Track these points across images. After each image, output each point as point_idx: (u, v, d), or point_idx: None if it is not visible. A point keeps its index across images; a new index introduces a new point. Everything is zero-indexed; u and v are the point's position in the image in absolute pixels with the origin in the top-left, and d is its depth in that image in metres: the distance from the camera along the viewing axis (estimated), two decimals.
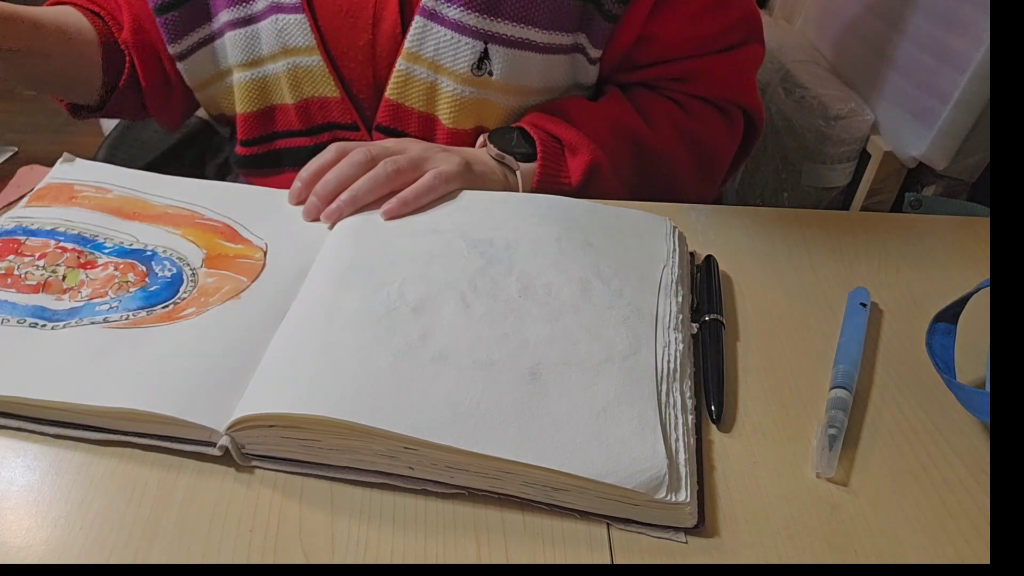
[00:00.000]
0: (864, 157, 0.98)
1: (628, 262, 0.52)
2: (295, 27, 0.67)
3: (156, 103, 0.76)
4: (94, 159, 0.64)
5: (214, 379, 0.44)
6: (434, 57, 0.65)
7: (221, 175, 0.97)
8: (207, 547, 0.38)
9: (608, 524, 0.39)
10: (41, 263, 0.52)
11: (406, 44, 0.66)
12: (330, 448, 0.41)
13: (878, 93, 0.96)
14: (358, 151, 0.59)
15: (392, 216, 0.56)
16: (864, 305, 0.52)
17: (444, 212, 0.57)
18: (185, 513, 0.39)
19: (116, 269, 0.52)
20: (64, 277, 0.51)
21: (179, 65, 0.72)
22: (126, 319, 0.48)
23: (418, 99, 0.68)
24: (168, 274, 0.52)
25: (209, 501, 0.40)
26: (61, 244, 0.53)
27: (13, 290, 0.50)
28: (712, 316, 0.51)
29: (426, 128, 0.69)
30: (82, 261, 0.52)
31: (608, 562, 0.38)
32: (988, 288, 0.48)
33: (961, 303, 0.49)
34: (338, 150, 0.60)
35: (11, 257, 0.52)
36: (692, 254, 0.58)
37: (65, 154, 0.63)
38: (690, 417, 0.43)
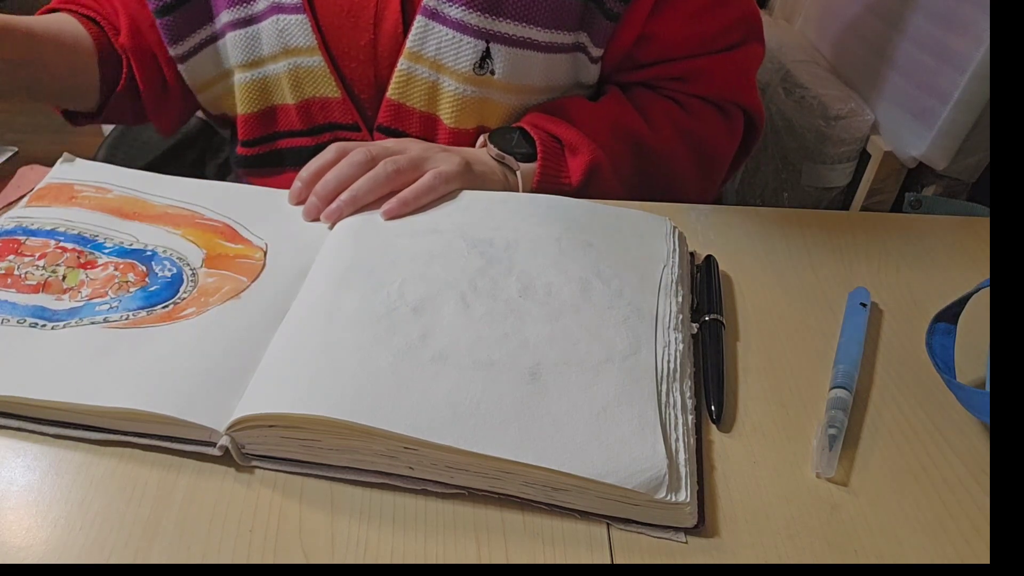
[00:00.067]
0: (864, 157, 0.98)
1: (628, 262, 0.52)
2: (296, 27, 0.67)
3: (153, 107, 0.75)
4: (94, 159, 0.64)
5: (214, 379, 0.44)
6: (436, 57, 0.65)
7: (221, 175, 0.97)
8: (207, 547, 0.38)
9: (608, 524, 0.39)
10: (41, 263, 0.52)
11: (408, 44, 0.66)
12: (330, 448, 0.41)
13: (878, 93, 0.96)
14: (358, 151, 0.59)
15: (392, 216, 0.56)
16: (864, 305, 0.52)
17: (444, 212, 0.57)
18: (185, 513, 0.39)
19: (116, 269, 0.52)
20: (64, 277, 0.51)
21: (180, 67, 0.72)
22: (126, 319, 0.48)
23: (420, 99, 0.68)
24: (168, 274, 0.52)
25: (209, 501, 0.40)
26: (61, 244, 0.53)
27: (13, 290, 0.50)
28: (712, 316, 0.51)
29: (427, 128, 0.69)
30: (82, 261, 0.52)
31: (608, 562, 0.38)
32: (988, 288, 0.48)
33: (961, 303, 0.49)
34: (338, 150, 0.60)
35: (11, 257, 0.52)
36: (692, 254, 0.58)
37: (65, 154, 0.63)
38: (690, 417, 0.43)
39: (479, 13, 0.63)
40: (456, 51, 0.65)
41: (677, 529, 0.39)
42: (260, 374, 0.43)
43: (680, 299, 0.51)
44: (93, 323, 0.48)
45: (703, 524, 0.39)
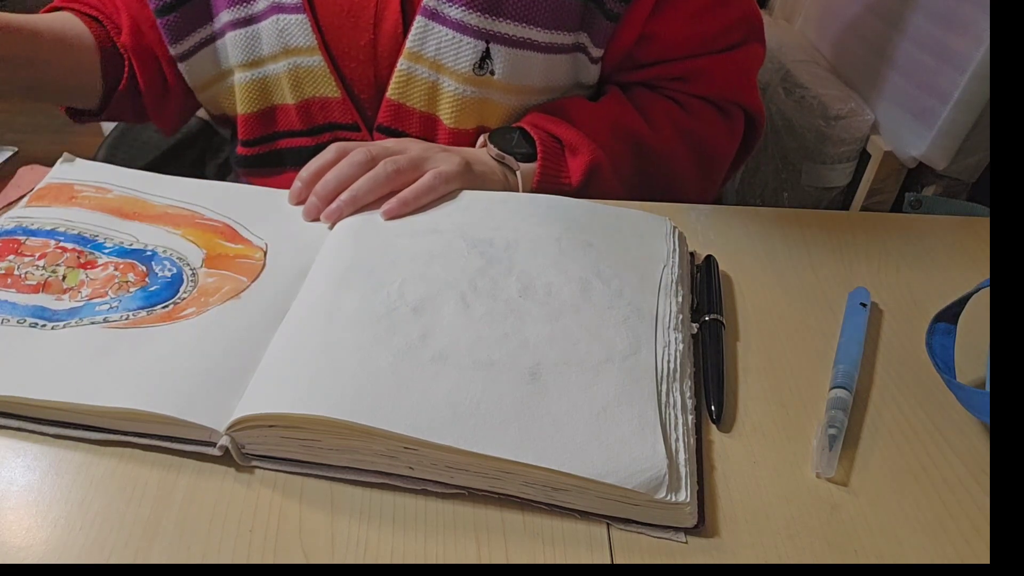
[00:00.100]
0: (864, 157, 0.98)
1: (628, 262, 0.52)
2: (296, 27, 0.67)
3: (154, 107, 0.76)
4: (94, 159, 0.64)
5: (214, 379, 0.44)
6: (436, 57, 0.65)
7: (221, 175, 0.97)
8: (207, 547, 0.38)
9: (608, 524, 0.39)
10: (41, 263, 0.52)
11: (407, 44, 0.66)
12: (330, 448, 0.41)
13: (878, 93, 0.96)
14: (358, 151, 0.59)
15: (392, 216, 0.56)
16: (864, 305, 0.52)
17: (444, 212, 0.57)
18: (185, 513, 0.39)
19: (116, 269, 0.52)
20: (64, 277, 0.51)
21: (180, 66, 0.72)
22: (126, 319, 0.48)
23: (419, 99, 0.68)
24: (168, 274, 0.52)
25: (209, 501, 0.40)
26: (61, 244, 0.53)
27: (13, 290, 0.50)
28: (712, 316, 0.51)
29: (427, 128, 0.69)
30: (82, 261, 0.52)
31: (608, 562, 0.38)
32: (988, 288, 0.48)
33: (961, 303, 0.49)
34: (338, 150, 0.60)
35: (11, 257, 0.52)
36: (692, 254, 0.58)
37: (65, 154, 0.63)
38: (690, 417, 0.43)
39: (479, 13, 0.63)
40: (456, 51, 0.65)
41: (677, 529, 0.39)
42: (260, 374, 0.43)
43: (680, 299, 0.51)
44: (93, 323, 0.48)
45: (703, 524, 0.39)
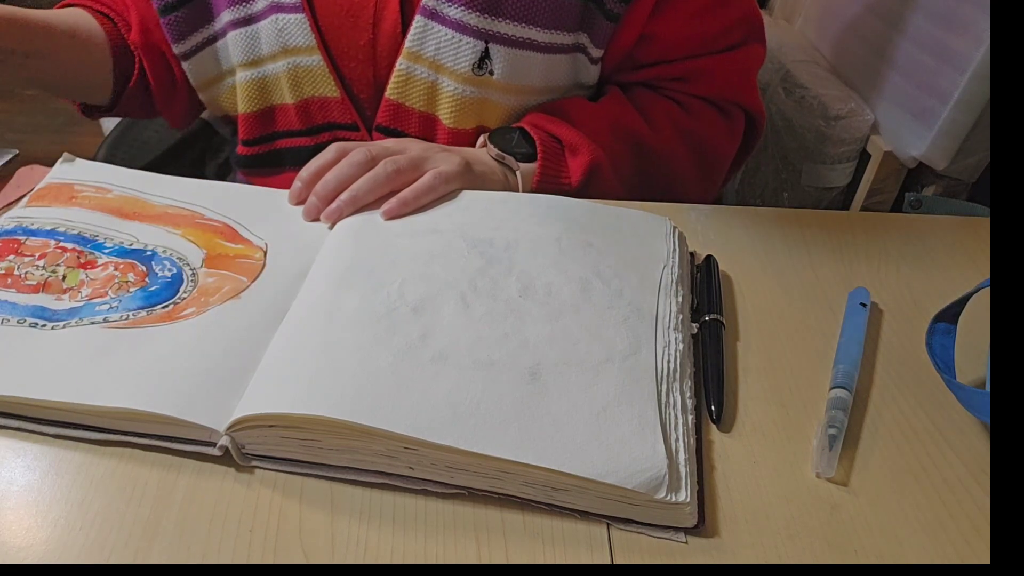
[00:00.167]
0: (864, 157, 0.98)
1: (628, 262, 0.52)
2: (295, 27, 0.67)
3: (164, 102, 0.77)
4: (94, 159, 0.64)
5: (214, 379, 0.44)
6: (435, 57, 0.65)
7: (221, 175, 0.97)
8: (207, 547, 0.38)
9: (608, 524, 0.39)
10: (41, 263, 0.52)
11: (407, 44, 0.66)
12: (330, 448, 0.41)
13: (878, 93, 0.96)
14: (358, 151, 0.59)
15: (392, 216, 0.56)
16: (864, 305, 0.52)
17: (444, 212, 0.57)
18: (185, 513, 0.39)
19: (116, 269, 0.52)
20: (64, 277, 0.51)
21: (184, 65, 0.73)
22: (126, 319, 0.48)
23: (419, 99, 0.68)
24: (168, 274, 0.52)
25: (209, 501, 0.40)
26: (61, 244, 0.53)
27: (13, 290, 0.50)
28: (712, 316, 0.51)
29: (426, 128, 0.69)
30: (82, 261, 0.52)
31: (608, 562, 0.38)
32: (988, 288, 0.48)
33: (961, 303, 0.49)
34: (338, 150, 0.60)
35: (11, 257, 0.52)
36: (692, 254, 0.58)
37: (65, 154, 0.63)
38: (690, 417, 0.43)
39: (478, 13, 0.63)
40: (455, 51, 0.65)
41: (677, 529, 0.39)
42: (260, 374, 0.43)
43: (680, 299, 0.51)
44: (93, 323, 0.48)
45: (703, 524, 0.39)
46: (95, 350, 0.45)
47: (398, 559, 0.37)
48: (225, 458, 0.41)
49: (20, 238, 0.54)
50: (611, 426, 0.41)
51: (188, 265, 0.53)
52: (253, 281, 0.51)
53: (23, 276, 0.51)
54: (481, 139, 0.67)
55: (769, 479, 0.42)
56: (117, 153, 0.94)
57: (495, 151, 0.65)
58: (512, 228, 0.54)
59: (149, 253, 0.53)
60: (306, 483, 0.41)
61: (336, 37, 0.67)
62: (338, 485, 0.41)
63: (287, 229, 0.57)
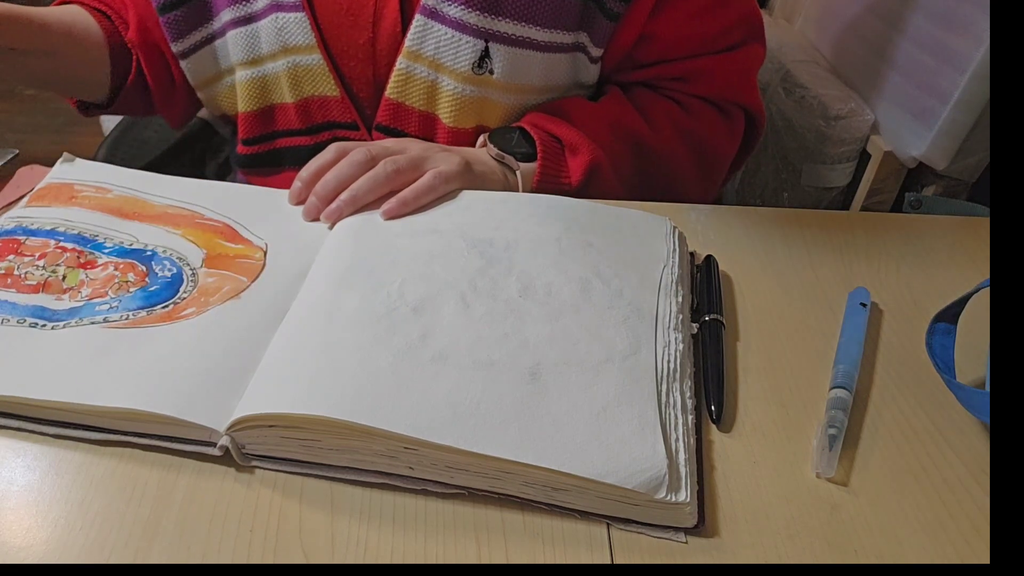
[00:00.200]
0: (864, 157, 0.98)
1: (628, 262, 0.52)
2: (295, 25, 0.67)
3: (162, 101, 0.77)
4: (94, 159, 0.64)
5: (214, 379, 0.44)
6: (435, 56, 0.65)
7: (221, 175, 0.97)
8: (207, 547, 0.38)
9: (608, 524, 0.39)
10: (41, 263, 0.52)
11: (406, 43, 0.66)
12: (330, 448, 0.41)
13: (878, 93, 0.96)
14: (358, 151, 0.59)
15: (392, 216, 0.56)
16: (864, 305, 0.52)
17: (444, 212, 0.57)
18: (185, 513, 0.39)
19: (116, 269, 0.52)
20: (64, 277, 0.51)
21: (182, 64, 0.73)
22: (126, 319, 0.48)
23: (418, 98, 0.68)
24: (168, 274, 0.52)
25: (209, 501, 0.40)
26: (61, 244, 0.53)
27: (13, 290, 0.50)
28: (712, 316, 0.51)
29: (426, 127, 0.69)
30: (82, 261, 0.52)
31: (608, 562, 0.38)
32: (988, 288, 0.48)
33: (961, 303, 0.49)
34: (338, 150, 0.60)
35: (11, 257, 0.52)
36: (692, 254, 0.58)
37: (65, 154, 0.63)
38: (690, 417, 0.43)
39: (478, 12, 0.63)
40: (455, 50, 0.65)
41: (677, 529, 0.39)
42: (260, 374, 0.43)
43: (680, 299, 0.51)
44: (93, 323, 0.48)
45: (703, 524, 0.39)
46: (95, 350, 0.45)
47: (398, 559, 0.37)
48: (225, 458, 0.41)
49: (20, 238, 0.54)
50: (611, 426, 0.41)
51: (188, 265, 0.53)
52: (253, 281, 0.51)
53: (23, 276, 0.51)
54: (481, 139, 0.67)
55: (769, 479, 0.42)
56: (117, 153, 0.94)
57: (495, 151, 0.65)
58: (512, 228, 0.54)
59: (149, 253, 0.53)
60: (306, 483, 0.41)
61: (336, 36, 0.67)
62: (338, 485, 0.41)
63: (287, 229, 0.57)
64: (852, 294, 0.54)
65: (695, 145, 0.72)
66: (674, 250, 0.55)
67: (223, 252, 0.54)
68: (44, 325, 0.47)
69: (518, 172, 0.64)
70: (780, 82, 1.06)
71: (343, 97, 0.69)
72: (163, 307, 0.49)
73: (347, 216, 0.56)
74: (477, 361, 0.44)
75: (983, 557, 0.39)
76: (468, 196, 0.59)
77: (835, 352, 0.49)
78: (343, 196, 0.57)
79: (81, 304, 0.49)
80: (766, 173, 1.13)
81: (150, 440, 0.42)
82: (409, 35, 0.65)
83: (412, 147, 0.62)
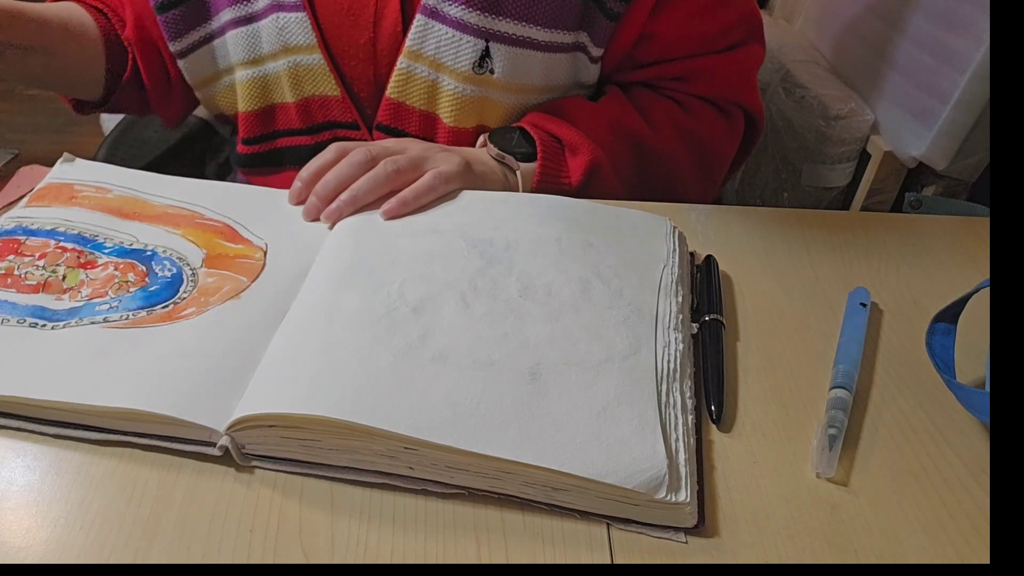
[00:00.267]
0: (864, 157, 0.98)
1: (628, 262, 0.52)
2: (296, 25, 0.67)
3: (158, 99, 0.77)
4: (94, 159, 0.64)
5: (214, 379, 0.44)
6: (435, 55, 0.65)
7: (221, 175, 0.97)
8: (207, 547, 0.38)
9: (608, 524, 0.39)
10: (41, 263, 0.52)
11: (407, 42, 0.66)
12: (330, 448, 0.41)
13: (878, 93, 0.96)
14: (358, 151, 0.59)
15: (392, 216, 0.56)
16: (864, 305, 0.52)
17: (444, 212, 0.57)
18: (185, 513, 0.39)
19: (116, 269, 0.52)
20: (64, 277, 0.51)
21: (180, 63, 0.73)
22: (126, 319, 0.48)
23: (419, 98, 0.68)
24: (168, 274, 0.52)
25: (209, 501, 0.40)
26: (61, 244, 0.53)
27: (13, 290, 0.50)
28: (712, 316, 0.51)
29: (427, 127, 0.69)
30: (82, 261, 0.52)
31: (608, 562, 0.38)
32: (988, 288, 0.48)
33: (961, 303, 0.49)
34: (338, 150, 0.60)
35: (11, 257, 0.52)
36: (692, 254, 0.58)
37: (65, 154, 0.63)
38: (690, 417, 0.43)
39: (479, 12, 0.63)
40: (455, 50, 0.65)
41: (677, 529, 0.39)
42: (260, 374, 0.43)
43: (680, 299, 0.51)
44: (93, 323, 0.48)
45: (703, 524, 0.39)
46: (95, 350, 0.45)
47: (398, 559, 0.37)
48: (225, 458, 0.41)
49: (20, 238, 0.54)
50: (611, 426, 0.41)
51: (188, 265, 0.53)
52: (253, 281, 0.51)
53: (23, 276, 0.51)
54: (481, 139, 0.67)
55: (769, 479, 0.42)
56: (117, 153, 0.94)
57: (495, 151, 0.65)
58: (512, 228, 0.54)
59: (149, 253, 0.53)
60: (306, 483, 0.41)
61: (337, 36, 0.67)
62: (338, 485, 0.41)
63: (287, 229, 0.57)
64: (852, 294, 0.54)
65: (695, 145, 0.72)
66: (674, 250, 0.55)
67: (223, 252, 0.54)
68: (44, 325, 0.47)
69: (518, 172, 0.64)
70: (780, 82, 1.06)
71: (344, 97, 0.69)
72: (163, 307, 0.49)
73: (347, 216, 0.56)
74: (477, 361, 0.44)
75: (983, 557, 0.39)
76: (468, 196, 0.59)
77: (835, 352, 0.49)
78: (343, 196, 0.57)
79: (81, 304, 0.49)
80: (766, 173, 1.13)
81: (150, 440, 0.42)
82: (410, 35, 0.65)
83: (412, 147, 0.62)
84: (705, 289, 0.54)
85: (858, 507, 0.41)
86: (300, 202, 0.59)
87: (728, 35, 0.70)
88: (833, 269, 0.58)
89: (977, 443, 0.44)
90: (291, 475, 0.41)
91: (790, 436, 0.44)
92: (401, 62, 0.66)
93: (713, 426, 0.45)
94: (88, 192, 0.59)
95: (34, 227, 0.55)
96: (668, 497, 0.38)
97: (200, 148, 1.00)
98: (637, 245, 0.54)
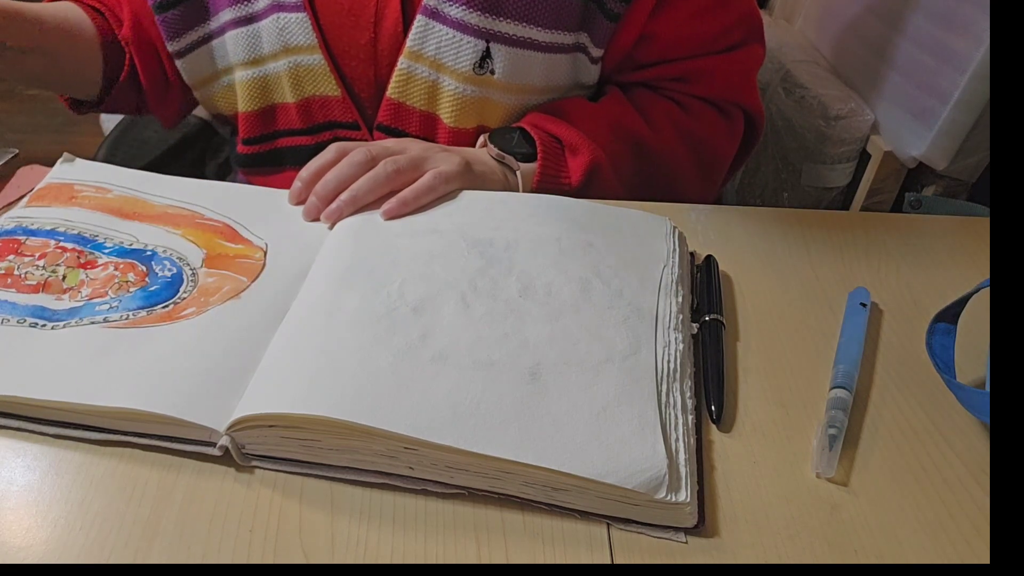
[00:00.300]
0: (864, 157, 0.98)
1: (628, 262, 0.52)
2: (296, 26, 0.67)
3: (155, 99, 0.76)
4: (94, 159, 0.64)
5: (214, 379, 0.44)
6: (436, 56, 0.65)
7: (221, 175, 0.97)
8: (207, 547, 0.38)
9: (608, 524, 0.39)
10: (41, 263, 0.52)
11: (408, 43, 0.66)
12: (330, 448, 0.41)
13: (878, 93, 0.96)
14: (358, 151, 0.59)
15: (392, 216, 0.56)
16: (864, 305, 0.52)
17: (444, 212, 0.57)
18: (185, 513, 0.39)
19: (116, 269, 0.52)
20: (64, 277, 0.51)
21: (178, 63, 0.73)
22: (126, 319, 0.48)
23: (419, 98, 0.68)
24: (168, 274, 0.52)
25: (209, 501, 0.40)
26: (61, 244, 0.53)
27: (13, 290, 0.50)
28: (712, 316, 0.51)
29: (427, 127, 0.69)
30: (82, 261, 0.52)
31: (608, 562, 0.38)
32: (988, 288, 0.48)
33: (961, 303, 0.49)
34: (338, 150, 0.60)
35: (11, 257, 0.52)
36: (692, 254, 0.58)
37: (65, 154, 0.63)
38: (690, 417, 0.43)
39: (479, 13, 0.63)
40: (456, 50, 0.65)
41: (677, 529, 0.39)
42: (260, 374, 0.43)
43: (680, 299, 0.51)
44: (93, 323, 0.48)
45: (703, 524, 0.39)
46: (95, 350, 0.45)
47: (398, 559, 0.37)
48: (225, 458, 0.41)
49: (20, 238, 0.54)
50: (611, 426, 0.41)
51: (188, 265, 0.53)
52: (253, 281, 0.51)
53: (23, 276, 0.51)
54: (481, 139, 0.67)
55: (769, 479, 0.42)
56: (117, 153, 0.94)
57: (495, 151, 0.65)
58: (512, 228, 0.54)
59: (149, 253, 0.53)
60: (306, 483, 0.41)
61: (337, 36, 0.67)
62: (338, 485, 0.41)
63: (287, 229, 0.57)
64: (852, 294, 0.54)
65: (695, 145, 0.72)
66: (674, 250, 0.55)
67: (223, 252, 0.54)
68: (44, 325, 0.47)
69: (518, 172, 0.64)
70: (780, 82, 1.06)
71: (344, 97, 0.69)
72: (163, 307, 0.49)
73: (347, 216, 0.56)
74: (477, 361, 0.44)
75: (983, 557, 0.39)
76: (468, 196, 0.59)
77: (835, 352, 0.49)
78: (343, 196, 0.57)
79: (81, 304, 0.49)
80: (766, 173, 1.13)
81: (150, 440, 0.42)
82: (410, 35, 0.65)
83: (412, 147, 0.62)
84: (705, 289, 0.54)
85: (858, 507, 0.41)
86: (300, 202, 0.59)
87: (728, 36, 0.70)
88: (833, 269, 0.58)
89: (977, 443, 0.45)
90: (291, 475, 0.41)
91: (790, 436, 0.44)
92: (402, 62, 0.66)
93: (713, 426, 0.45)
94: (88, 192, 0.59)
95: (34, 227, 0.55)
96: (668, 497, 0.38)
97: (200, 148, 1.00)
98: (637, 245, 0.54)
